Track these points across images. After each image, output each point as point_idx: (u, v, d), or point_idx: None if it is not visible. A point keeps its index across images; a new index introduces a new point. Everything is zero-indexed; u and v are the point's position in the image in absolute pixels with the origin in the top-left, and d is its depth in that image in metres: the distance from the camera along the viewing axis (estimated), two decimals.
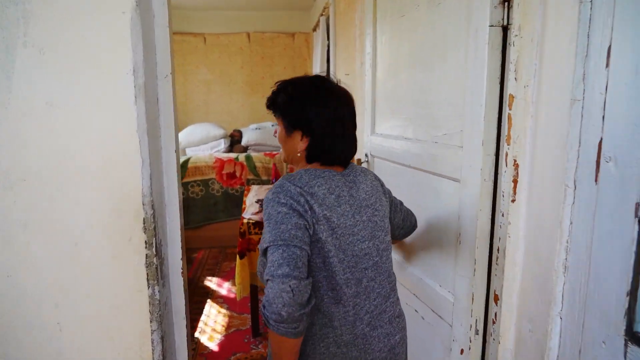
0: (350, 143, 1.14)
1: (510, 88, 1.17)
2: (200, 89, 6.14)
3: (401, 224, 1.35)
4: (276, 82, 1.20)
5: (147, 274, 1.21)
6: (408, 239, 1.73)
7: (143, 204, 1.16)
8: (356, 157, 3.04)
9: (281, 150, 1.19)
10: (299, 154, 1.12)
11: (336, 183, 1.09)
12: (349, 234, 1.07)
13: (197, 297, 3.39)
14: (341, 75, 4.03)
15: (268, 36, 6.08)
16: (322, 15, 4.56)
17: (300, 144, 1.11)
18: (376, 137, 1.97)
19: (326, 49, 4.47)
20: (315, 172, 1.08)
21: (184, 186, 4.46)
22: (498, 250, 1.25)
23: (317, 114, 1.09)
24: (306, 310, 0.95)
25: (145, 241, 1.19)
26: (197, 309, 3.20)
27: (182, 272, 1.30)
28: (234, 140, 5.24)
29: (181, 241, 1.25)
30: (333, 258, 1.04)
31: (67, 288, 1.25)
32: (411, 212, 1.40)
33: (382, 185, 1.27)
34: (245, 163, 4.56)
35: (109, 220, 1.20)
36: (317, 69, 4.89)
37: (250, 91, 6.17)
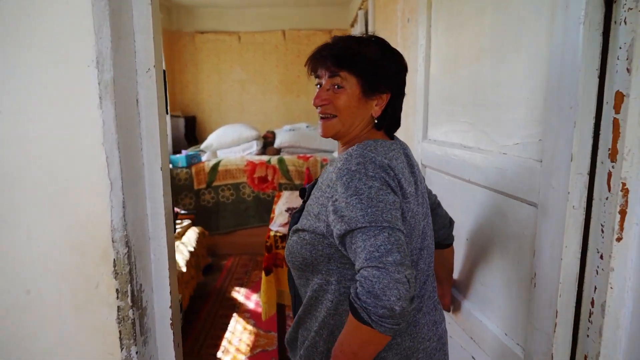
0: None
1: (618, 83, 0.85)
2: (234, 88, 5.97)
3: (431, 207, 1.20)
4: (336, 37, 1.01)
5: (120, 331, 0.91)
6: (462, 263, 1.43)
7: (113, 241, 0.85)
8: None
9: (335, 120, 0.98)
10: (368, 122, 0.99)
11: (408, 160, 0.99)
12: (418, 212, 0.95)
13: (222, 311, 3.18)
14: None
15: (304, 33, 5.84)
16: (360, 9, 4.27)
17: (375, 108, 0.99)
18: (429, 144, 1.66)
19: None
20: (385, 143, 0.95)
21: (214, 190, 4.28)
22: (592, 303, 0.93)
23: (398, 73, 1.00)
24: (414, 304, 0.86)
25: (117, 289, 0.89)
26: (222, 323, 2.99)
27: (171, 324, 1.01)
28: (267, 142, 5.02)
29: (171, 285, 0.93)
30: (407, 238, 0.91)
31: (13, 350, 0.96)
32: (446, 212, 1.29)
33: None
34: (277, 166, 4.33)
35: (69, 261, 0.91)
36: None
37: (285, 91, 5.95)
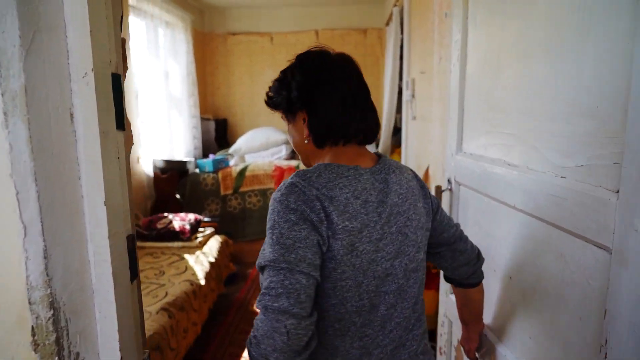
0: (362, 114, 0.94)
1: None
2: (266, 90, 5.83)
3: (446, 242, 1.04)
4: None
5: None
6: (500, 303, 1.18)
7: (30, 303, 0.64)
8: (435, 182, 2.48)
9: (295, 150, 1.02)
10: (306, 141, 0.94)
11: (363, 184, 0.88)
12: (373, 250, 0.86)
13: (243, 325, 3.02)
14: (415, 74, 3.46)
15: (338, 33, 5.63)
16: (395, 5, 4.02)
17: (304, 127, 0.95)
18: (464, 157, 1.41)
19: (399, 43, 3.93)
20: (338, 170, 0.87)
21: (241, 196, 4.14)
22: None
23: (299, 85, 0.95)
24: (302, 357, 0.78)
25: None
26: (242, 339, 2.82)
27: None
28: None
29: (125, 348, 0.72)
30: (348, 281, 0.84)
31: None
32: (474, 246, 1.08)
33: (424, 187, 1.00)
34: None
35: None
36: (390, 67, 4.35)
37: None
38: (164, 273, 2.71)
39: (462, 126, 1.43)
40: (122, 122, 0.73)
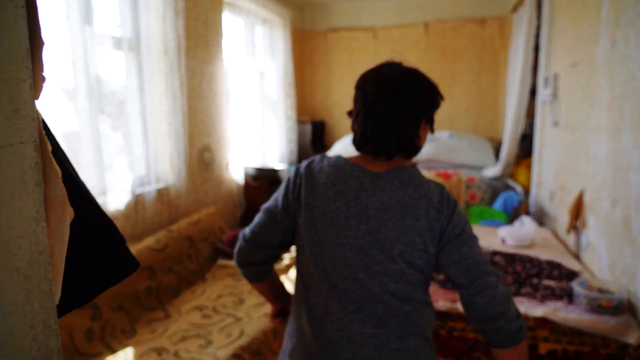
0: (376, 130, 0.99)
1: None
2: None
3: (453, 281, 1.00)
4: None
5: None
6: None
7: None
8: (597, 213, 1.75)
9: None
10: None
11: (347, 178, 1.00)
12: (333, 234, 0.99)
13: None
14: (561, 68, 2.71)
15: (450, 25, 4.94)
16: None
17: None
18: None
19: (534, 31, 3.18)
20: (337, 161, 1.04)
21: None
22: None
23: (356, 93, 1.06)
24: (243, 269, 1.14)
25: None
26: None
27: None
28: None
29: None
30: (306, 248, 1.02)
31: None
32: (506, 295, 0.97)
33: (440, 210, 0.97)
34: None
35: None
36: (517, 62, 3.60)
37: None
38: (243, 302, 2.36)
39: None
40: None
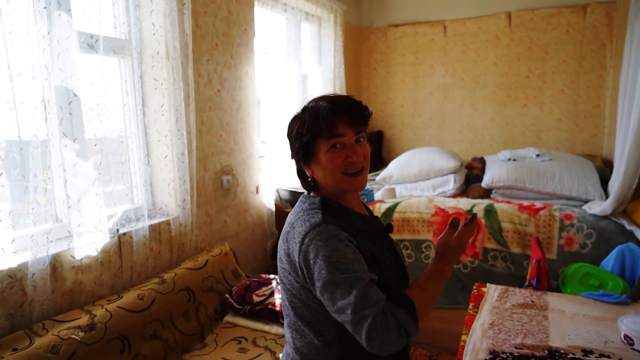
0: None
1: None
2: (434, 96, 4.54)
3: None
4: (335, 97, 1.08)
5: None
6: None
7: None
8: None
9: (365, 171, 1.07)
10: None
11: None
12: None
13: None
14: None
15: (540, 14, 3.99)
16: None
17: None
18: None
19: None
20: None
21: None
22: None
23: None
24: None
25: None
26: None
27: None
28: (471, 176, 3.45)
29: None
30: None
31: None
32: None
33: (290, 254, 1.03)
34: (483, 220, 2.75)
35: None
36: (631, 57, 2.64)
37: (505, 98, 4.22)
38: None
39: None
40: None
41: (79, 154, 1.79)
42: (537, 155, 3.23)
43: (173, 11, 2.15)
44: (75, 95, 1.79)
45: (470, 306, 1.78)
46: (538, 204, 2.79)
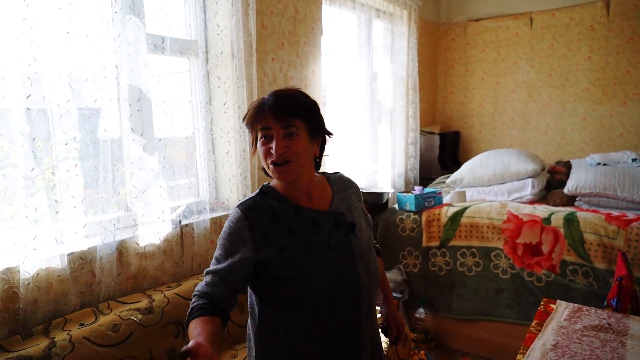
0: None
1: None
2: (517, 94, 4.23)
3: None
4: (277, 92, 1.15)
5: None
6: None
7: None
8: None
9: (293, 164, 1.12)
10: (312, 162, 1.19)
11: None
12: None
13: None
14: None
15: None
16: None
17: (316, 149, 1.19)
18: None
19: None
20: None
21: (451, 252, 2.82)
22: None
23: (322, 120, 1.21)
24: None
25: None
26: None
27: None
28: (554, 181, 3.15)
29: None
30: None
31: None
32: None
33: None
34: (562, 230, 2.49)
35: None
36: None
37: (600, 96, 3.80)
38: None
39: None
40: None
41: (146, 148, 1.92)
42: (634, 160, 2.86)
43: (238, 12, 2.22)
44: (143, 93, 1.91)
45: (534, 323, 1.61)
46: (631, 215, 2.46)
